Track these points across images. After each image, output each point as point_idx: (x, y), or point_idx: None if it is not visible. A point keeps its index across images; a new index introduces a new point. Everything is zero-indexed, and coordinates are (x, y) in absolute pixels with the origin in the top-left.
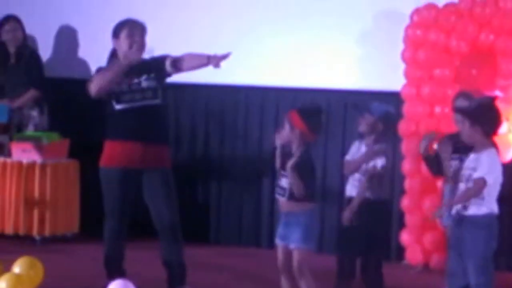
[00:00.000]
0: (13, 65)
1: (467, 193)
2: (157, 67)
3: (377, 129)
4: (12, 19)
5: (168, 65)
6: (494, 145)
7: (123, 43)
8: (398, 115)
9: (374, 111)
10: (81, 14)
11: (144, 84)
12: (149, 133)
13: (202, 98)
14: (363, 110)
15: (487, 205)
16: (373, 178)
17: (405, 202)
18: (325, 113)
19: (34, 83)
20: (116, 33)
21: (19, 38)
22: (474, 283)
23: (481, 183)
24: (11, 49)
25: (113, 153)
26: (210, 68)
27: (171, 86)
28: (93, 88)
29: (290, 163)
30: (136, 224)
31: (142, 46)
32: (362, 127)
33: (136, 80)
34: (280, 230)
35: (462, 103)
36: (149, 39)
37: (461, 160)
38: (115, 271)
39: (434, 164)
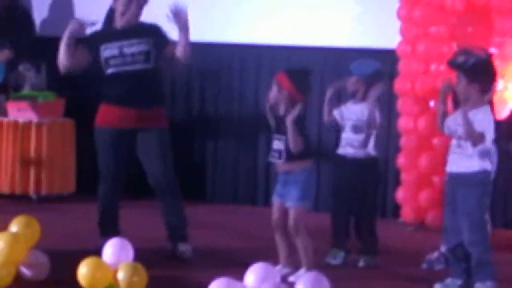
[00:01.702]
0: (1, 25)
1: (472, 137)
2: (155, 32)
3: (361, 89)
4: None
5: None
6: (488, 102)
7: (119, 6)
8: (391, 72)
9: (356, 71)
10: None
11: (135, 48)
12: (142, 98)
13: (196, 56)
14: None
15: (480, 162)
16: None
17: (401, 160)
18: (319, 72)
19: (17, 43)
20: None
21: (4, 4)
22: (468, 240)
23: (479, 136)
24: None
25: (107, 115)
26: (204, 26)
27: None
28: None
29: (289, 117)
30: (135, 184)
31: (135, 15)
32: (350, 87)
33: (126, 44)
34: (278, 188)
35: (461, 59)
36: None
37: None
38: (109, 231)
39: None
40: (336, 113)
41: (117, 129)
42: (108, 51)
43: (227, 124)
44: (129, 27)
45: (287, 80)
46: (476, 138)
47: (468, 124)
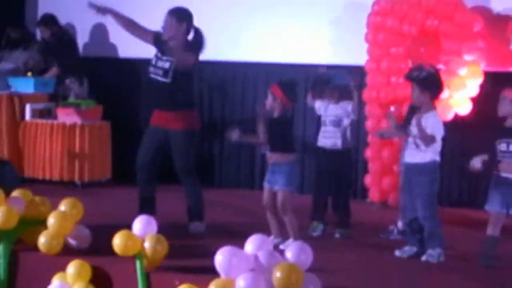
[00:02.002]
0: (51, 50)
1: (425, 137)
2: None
3: (335, 94)
4: (44, 22)
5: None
6: (435, 107)
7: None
8: (361, 84)
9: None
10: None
11: (160, 63)
12: (162, 103)
13: (207, 73)
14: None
15: (430, 155)
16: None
17: (368, 153)
18: (304, 84)
19: (62, 63)
20: None
21: (53, 33)
22: (421, 216)
23: (432, 137)
24: (49, 41)
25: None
26: (213, 47)
27: None
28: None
29: (261, 118)
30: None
31: (166, 28)
32: (327, 93)
33: (161, 58)
34: (268, 175)
35: (415, 73)
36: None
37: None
38: (148, 209)
39: (403, 131)
40: (317, 106)
41: (153, 128)
42: (154, 56)
43: (231, 125)
44: (167, 46)
45: (279, 90)
46: (428, 140)
47: (421, 130)
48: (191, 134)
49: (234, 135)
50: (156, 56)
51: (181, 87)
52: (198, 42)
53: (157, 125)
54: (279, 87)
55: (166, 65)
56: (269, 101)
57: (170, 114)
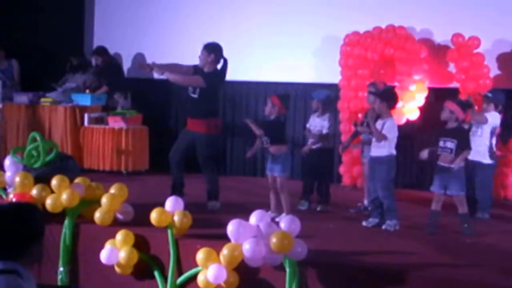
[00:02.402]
0: (103, 73)
1: (378, 136)
2: (207, 77)
3: (320, 107)
4: (98, 52)
5: None
6: (392, 115)
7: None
8: (336, 97)
9: (316, 96)
10: (146, 40)
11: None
12: (192, 112)
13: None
14: (310, 96)
15: (388, 150)
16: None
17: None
18: (293, 97)
19: (111, 83)
20: None
21: (104, 60)
22: (381, 195)
23: (383, 137)
24: (102, 67)
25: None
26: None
27: None
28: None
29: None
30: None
31: (202, 61)
32: (313, 106)
33: None
34: (268, 165)
35: (374, 89)
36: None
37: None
38: (177, 193)
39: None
40: (308, 125)
41: (186, 129)
42: None
43: (240, 128)
44: (198, 69)
45: (277, 100)
46: (380, 138)
47: (375, 130)
48: (213, 137)
49: (249, 121)
50: None
51: (206, 100)
52: (223, 69)
53: (188, 129)
54: (277, 98)
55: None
56: (268, 107)
57: (197, 121)
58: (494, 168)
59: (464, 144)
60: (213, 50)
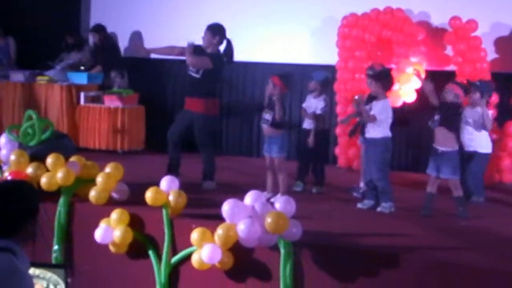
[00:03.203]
0: (100, 52)
1: (368, 117)
2: (211, 58)
3: (318, 88)
4: (96, 29)
5: None
6: (388, 96)
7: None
8: (333, 78)
9: (315, 77)
10: (144, 20)
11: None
12: (192, 92)
13: None
14: (309, 77)
15: (382, 131)
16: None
17: (338, 130)
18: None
19: (106, 62)
20: None
21: (101, 38)
22: (375, 177)
23: (373, 118)
24: (99, 45)
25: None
26: None
27: None
28: None
29: (277, 98)
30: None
31: (206, 42)
32: (310, 87)
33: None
34: (265, 146)
35: (371, 71)
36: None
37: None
38: (173, 173)
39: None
40: (304, 105)
41: (184, 109)
42: None
43: (236, 108)
44: (202, 50)
45: (278, 79)
46: (370, 119)
47: (365, 111)
48: (211, 117)
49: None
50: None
51: (207, 81)
52: (229, 51)
53: (187, 109)
54: (277, 77)
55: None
56: (269, 88)
57: (196, 100)
58: (489, 157)
59: (450, 115)
60: (218, 31)
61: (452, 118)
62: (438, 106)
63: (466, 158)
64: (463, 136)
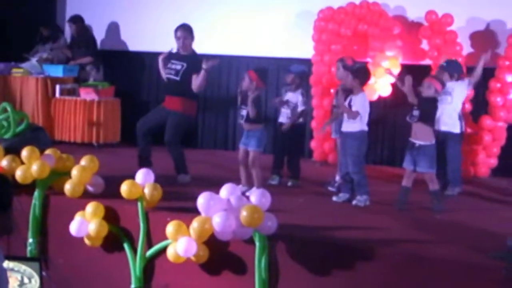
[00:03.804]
0: (76, 43)
1: (350, 114)
2: (191, 61)
3: (295, 81)
4: (73, 20)
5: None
6: (364, 90)
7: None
8: (309, 72)
9: (292, 70)
10: (120, 12)
11: (173, 66)
12: (171, 91)
13: None
14: (286, 70)
15: (360, 125)
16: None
17: (313, 124)
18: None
19: (90, 53)
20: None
21: (79, 29)
22: (351, 171)
23: (356, 113)
24: (76, 35)
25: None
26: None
27: None
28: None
29: (250, 97)
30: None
31: (185, 43)
32: (288, 80)
33: (173, 63)
34: (243, 139)
35: (343, 63)
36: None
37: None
38: (144, 164)
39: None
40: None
41: (161, 106)
42: (169, 64)
43: (212, 102)
44: (177, 54)
45: (254, 74)
46: (353, 115)
47: (345, 107)
48: (186, 117)
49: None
50: (170, 62)
51: (187, 82)
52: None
53: (164, 106)
54: (254, 72)
55: (178, 67)
56: (246, 82)
57: (176, 99)
58: (462, 138)
59: (425, 111)
60: (191, 32)
61: (431, 112)
62: (418, 101)
63: (441, 141)
64: (440, 117)
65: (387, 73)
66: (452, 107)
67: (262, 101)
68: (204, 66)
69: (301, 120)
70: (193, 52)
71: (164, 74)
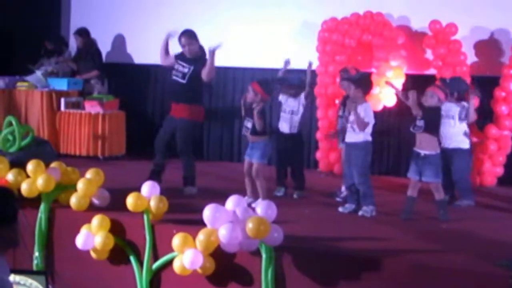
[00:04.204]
0: (83, 57)
1: (360, 125)
2: (196, 62)
3: (295, 90)
4: (80, 32)
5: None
6: (367, 100)
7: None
8: (313, 83)
9: (292, 81)
10: (126, 24)
11: (181, 68)
12: (177, 98)
13: None
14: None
15: (364, 136)
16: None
17: (318, 134)
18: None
19: (96, 66)
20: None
21: (85, 42)
22: (357, 182)
23: (367, 123)
24: (82, 48)
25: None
26: None
27: None
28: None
29: (256, 109)
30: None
31: (191, 49)
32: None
33: (180, 64)
34: (247, 151)
35: (346, 75)
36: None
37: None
38: (155, 178)
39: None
40: (281, 97)
41: (169, 116)
42: (176, 64)
43: (216, 113)
44: (184, 56)
45: (258, 86)
46: (363, 125)
47: (359, 118)
48: (194, 123)
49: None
50: (178, 63)
51: (194, 86)
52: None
53: (172, 115)
54: (258, 84)
55: (185, 70)
56: (250, 95)
57: (182, 106)
58: (471, 153)
59: (431, 122)
60: (196, 37)
61: (435, 121)
62: (422, 112)
63: (448, 157)
64: (446, 138)
65: (388, 85)
66: (456, 130)
67: (267, 113)
68: (210, 48)
69: (300, 129)
70: (201, 51)
71: (165, 63)
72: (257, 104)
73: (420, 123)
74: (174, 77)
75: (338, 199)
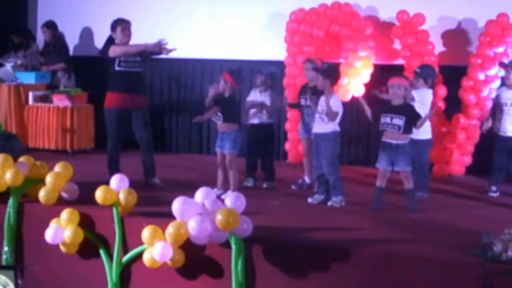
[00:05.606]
0: (49, 50)
1: (331, 116)
2: (145, 53)
3: (266, 83)
4: (48, 25)
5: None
6: (335, 91)
7: (119, 35)
8: (282, 74)
9: (263, 71)
10: (93, 17)
11: (137, 58)
12: (135, 87)
13: (165, 67)
14: (258, 72)
15: (333, 126)
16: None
17: (287, 125)
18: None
19: (62, 59)
20: (113, 27)
21: (53, 35)
22: (326, 172)
23: (336, 114)
24: (49, 41)
25: (113, 100)
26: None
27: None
28: (116, 52)
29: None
30: (128, 142)
31: (130, 37)
32: (258, 81)
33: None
34: (218, 142)
35: (311, 65)
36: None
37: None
38: (114, 170)
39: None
40: (248, 99)
41: (119, 109)
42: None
43: (184, 105)
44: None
45: (229, 76)
46: (333, 116)
47: (329, 109)
48: (147, 112)
49: (198, 118)
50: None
51: (145, 75)
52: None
53: (121, 107)
54: (228, 74)
55: (137, 58)
56: (221, 85)
57: (138, 96)
58: (432, 144)
59: (414, 120)
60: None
61: (417, 116)
62: (398, 109)
63: (414, 148)
64: None
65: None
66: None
67: (238, 102)
68: (162, 43)
69: (271, 120)
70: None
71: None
72: (228, 93)
73: (398, 121)
74: (132, 68)
75: (293, 187)
